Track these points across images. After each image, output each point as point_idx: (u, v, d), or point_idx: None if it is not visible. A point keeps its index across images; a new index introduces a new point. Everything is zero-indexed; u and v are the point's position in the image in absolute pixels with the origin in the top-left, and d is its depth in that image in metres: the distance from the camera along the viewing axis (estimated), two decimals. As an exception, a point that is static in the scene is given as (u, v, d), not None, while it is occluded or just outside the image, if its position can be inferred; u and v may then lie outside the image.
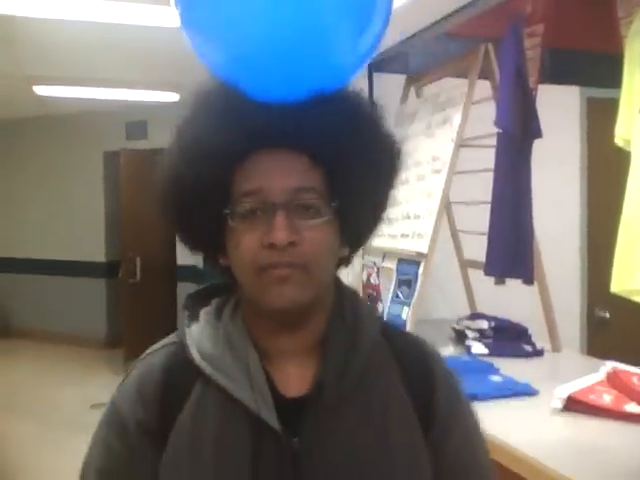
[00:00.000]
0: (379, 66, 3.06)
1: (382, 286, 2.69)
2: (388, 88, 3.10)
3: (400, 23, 2.38)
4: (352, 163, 0.78)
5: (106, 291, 7.08)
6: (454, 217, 2.86)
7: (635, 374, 1.83)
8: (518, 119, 2.11)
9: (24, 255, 7.51)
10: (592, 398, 1.73)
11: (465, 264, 2.86)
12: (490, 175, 2.29)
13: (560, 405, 1.73)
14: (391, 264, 2.60)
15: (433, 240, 2.33)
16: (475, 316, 2.65)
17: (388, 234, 2.67)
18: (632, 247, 1.48)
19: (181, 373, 0.81)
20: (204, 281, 0.92)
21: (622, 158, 1.57)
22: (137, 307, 6.07)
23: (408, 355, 0.88)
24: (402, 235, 2.55)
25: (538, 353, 2.40)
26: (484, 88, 2.46)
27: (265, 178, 0.76)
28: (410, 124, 2.79)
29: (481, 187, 2.37)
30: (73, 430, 3.53)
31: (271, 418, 0.76)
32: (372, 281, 2.77)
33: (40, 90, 5.54)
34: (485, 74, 2.43)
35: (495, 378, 2.04)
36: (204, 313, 0.85)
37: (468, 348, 2.40)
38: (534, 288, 2.38)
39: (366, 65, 2.63)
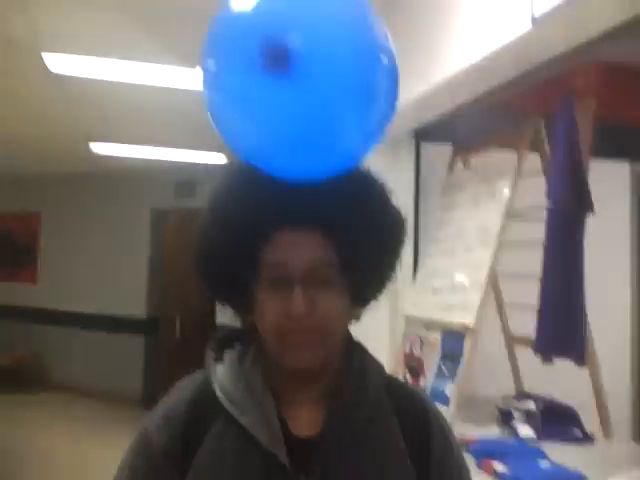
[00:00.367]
0: (426, 135, 3.07)
1: (425, 358, 2.61)
2: (435, 157, 3.11)
3: (448, 94, 2.40)
4: (361, 238, 0.89)
5: (144, 348, 7.10)
6: (501, 290, 2.78)
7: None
8: (570, 193, 2.07)
9: (67, 308, 7.65)
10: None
11: (511, 340, 2.77)
12: (538, 248, 2.24)
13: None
14: (435, 336, 2.53)
15: (480, 313, 2.26)
16: (522, 396, 2.53)
17: (432, 305, 2.61)
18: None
19: (205, 408, 0.91)
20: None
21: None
22: (174, 365, 6.06)
23: (407, 406, 0.98)
24: (447, 306, 2.49)
25: (588, 439, 2.27)
26: (533, 161, 2.44)
27: (286, 253, 0.87)
28: (456, 194, 2.77)
29: (529, 260, 2.31)
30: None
31: (281, 455, 0.86)
32: (414, 353, 2.70)
33: (96, 148, 5.76)
34: (534, 147, 2.41)
35: (544, 464, 1.93)
36: (228, 356, 0.96)
37: (514, 430, 2.29)
38: (582, 369, 2.27)
39: (413, 133, 2.62)
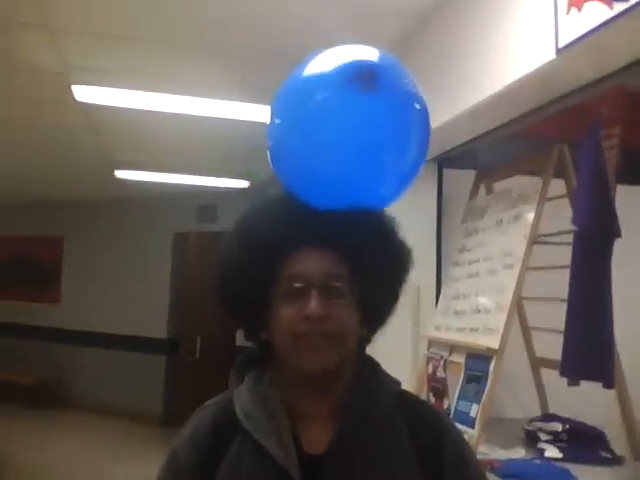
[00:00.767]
0: (448, 162, 3.13)
1: (449, 381, 2.62)
2: (457, 183, 3.15)
3: (470, 122, 2.45)
4: (370, 263, 0.99)
5: (165, 368, 7.14)
6: (525, 313, 2.81)
7: None
8: (597, 218, 2.10)
9: (89, 328, 7.72)
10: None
11: (537, 362, 2.78)
12: (561, 271, 2.26)
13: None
14: (459, 358, 2.55)
15: (505, 336, 2.28)
16: (548, 417, 2.54)
17: (456, 327, 2.63)
18: None
19: (227, 426, 0.98)
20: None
21: None
22: (194, 385, 6.09)
23: (420, 420, 1.01)
24: (471, 329, 2.52)
25: (617, 461, 2.27)
26: (557, 186, 2.48)
27: (305, 266, 0.97)
28: (480, 219, 2.81)
29: (552, 283, 2.33)
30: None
31: (293, 470, 0.91)
32: (438, 375, 2.71)
33: (121, 174, 5.87)
34: (559, 173, 2.45)
35: (572, 486, 1.94)
36: (249, 376, 1.03)
37: (541, 451, 2.30)
38: (609, 390, 2.28)
39: (436, 160, 2.70)
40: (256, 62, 3.17)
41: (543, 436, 2.36)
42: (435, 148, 2.89)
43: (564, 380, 2.34)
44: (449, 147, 2.84)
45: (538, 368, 2.77)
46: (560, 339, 2.26)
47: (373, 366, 1.06)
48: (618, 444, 2.35)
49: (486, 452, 2.33)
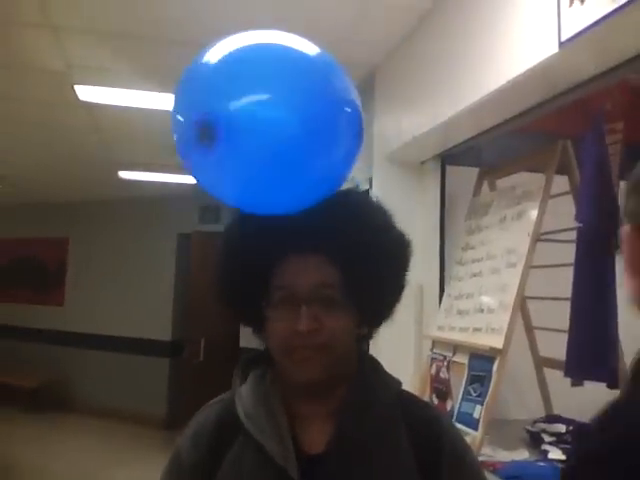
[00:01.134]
0: (451, 159, 3.10)
1: (452, 381, 2.59)
2: (461, 180, 3.12)
3: (473, 119, 2.42)
4: (363, 257, 0.95)
5: (169, 370, 7.13)
6: (529, 312, 2.77)
7: None
8: (601, 214, 2.07)
9: (93, 331, 7.72)
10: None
11: (540, 362, 2.75)
12: (565, 269, 2.23)
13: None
14: (462, 359, 2.52)
15: (508, 335, 2.25)
16: (552, 419, 2.51)
17: (459, 327, 2.60)
18: None
19: (229, 426, 0.98)
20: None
21: None
22: (199, 387, 6.06)
23: (419, 421, 1.00)
24: (474, 329, 2.48)
25: (622, 463, 2.23)
26: (560, 183, 2.45)
27: (293, 276, 0.95)
28: (483, 216, 2.78)
29: (556, 282, 2.30)
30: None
31: (293, 470, 0.91)
32: (441, 375, 2.68)
33: (124, 175, 5.86)
34: (562, 169, 2.42)
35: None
36: (251, 377, 1.03)
37: (544, 453, 2.26)
38: (613, 391, 2.24)
39: (439, 157, 2.63)
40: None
41: (547, 437, 2.33)
42: (438, 145, 2.87)
43: (568, 380, 2.31)
44: (452, 144, 2.81)
45: (542, 368, 2.74)
46: (564, 339, 2.23)
47: (374, 365, 1.05)
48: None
49: (489, 454, 2.30)
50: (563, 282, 2.25)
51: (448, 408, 2.54)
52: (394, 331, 3.29)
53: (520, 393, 2.93)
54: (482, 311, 2.49)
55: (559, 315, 2.25)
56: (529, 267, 2.32)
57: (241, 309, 1.03)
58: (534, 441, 2.40)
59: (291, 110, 0.85)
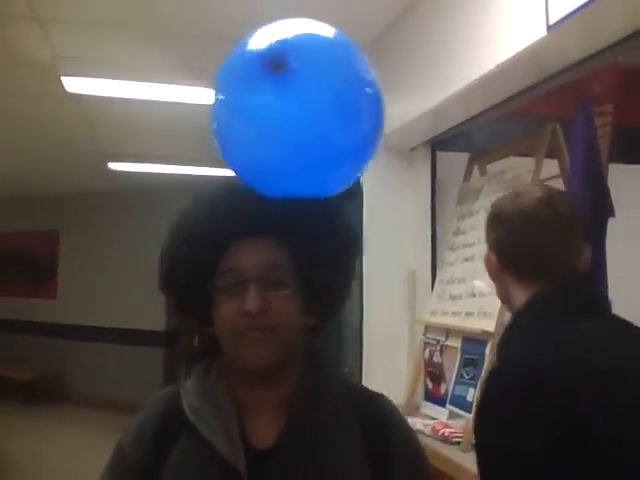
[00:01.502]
0: (441, 144, 3.10)
1: (445, 365, 2.62)
2: (451, 166, 3.13)
3: (462, 104, 2.42)
4: (312, 243, 0.94)
5: (163, 360, 7.14)
6: (520, 295, 2.79)
7: None
8: (590, 197, 2.08)
9: (86, 322, 7.72)
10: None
11: (532, 344, 2.76)
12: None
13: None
14: (455, 342, 2.54)
15: (500, 319, 2.27)
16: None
17: (452, 311, 2.62)
18: None
19: (175, 420, 0.95)
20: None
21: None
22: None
23: (367, 411, 1.00)
24: (467, 313, 2.50)
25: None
26: (550, 166, 2.45)
27: (240, 258, 0.93)
28: (474, 201, 2.79)
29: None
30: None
31: (240, 465, 0.89)
32: (435, 360, 2.71)
33: (114, 166, 5.84)
34: (551, 153, 2.42)
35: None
36: (196, 370, 1.01)
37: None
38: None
39: (429, 143, 2.63)
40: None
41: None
42: (427, 131, 2.87)
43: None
44: (442, 130, 2.82)
45: (534, 351, 2.76)
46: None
47: (323, 357, 1.04)
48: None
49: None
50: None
51: (442, 392, 2.57)
52: (387, 317, 3.31)
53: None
54: (474, 295, 2.51)
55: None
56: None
57: (187, 296, 0.99)
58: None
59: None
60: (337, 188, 0.98)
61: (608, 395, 1.05)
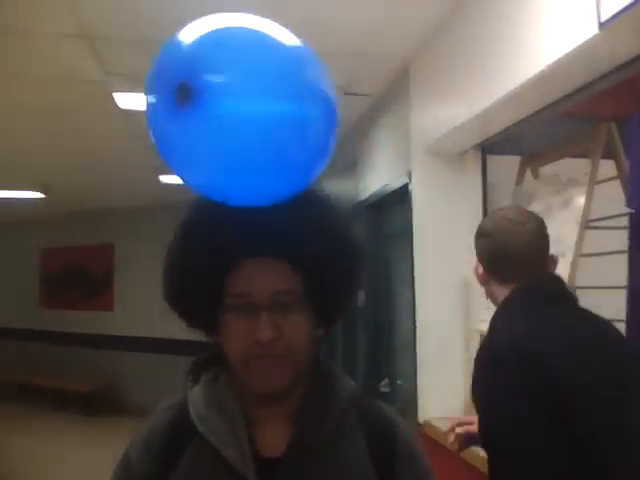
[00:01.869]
0: (492, 148, 3.04)
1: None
2: (502, 170, 3.06)
3: (513, 106, 2.36)
4: (324, 262, 0.92)
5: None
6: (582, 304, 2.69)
7: None
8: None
9: (142, 334, 7.86)
10: None
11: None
12: (619, 257, 2.16)
13: None
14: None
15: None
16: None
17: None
18: None
19: (182, 430, 0.94)
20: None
21: None
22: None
23: (374, 423, 1.00)
24: (524, 321, 2.43)
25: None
26: (606, 167, 2.37)
27: (250, 282, 0.90)
28: (527, 205, 2.71)
29: (609, 271, 2.23)
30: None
31: (250, 474, 0.88)
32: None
33: (165, 179, 5.95)
34: (608, 153, 2.34)
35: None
36: (204, 378, 1.00)
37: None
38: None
39: (479, 147, 2.57)
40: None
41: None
42: (477, 134, 2.81)
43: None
44: (492, 133, 2.75)
45: (596, 359, 2.66)
46: (620, 329, 2.16)
47: (329, 367, 1.03)
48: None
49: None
50: (616, 270, 2.17)
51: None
52: (441, 326, 3.25)
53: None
54: (531, 302, 2.43)
55: (613, 305, 2.18)
56: (579, 256, 2.25)
57: (191, 311, 0.97)
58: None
59: (264, 95, 0.81)
60: (292, 191, 0.92)
61: (579, 364, 1.33)
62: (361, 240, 1.03)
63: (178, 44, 0.84)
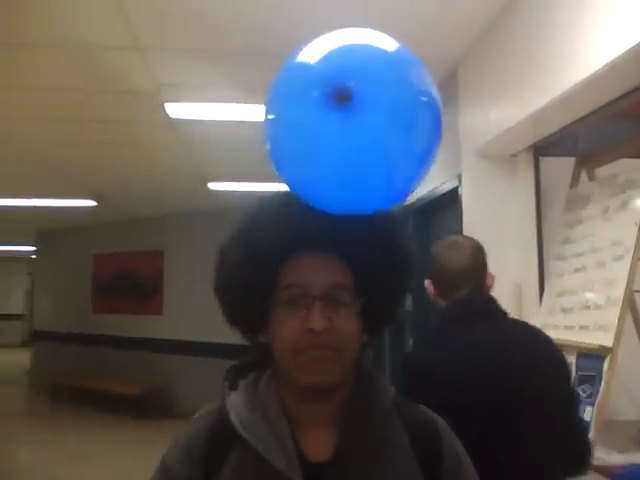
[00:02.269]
0: (545, 150, 2.97)
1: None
2: (556, 172, 2.99)
3: (567, 107, 2.31)
4: (376, 269, 0.94)
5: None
6: (638, 307, 2.61)
7: None
8: None
9: (191, 338, 7.97)
10: None
11: (654, 359, 2.58)
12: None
13: None
14: (569, 358, 2.40)
15: (619, 332, 2.13)
16: (669, 419, 2.37)
17: (564, 325, 2.49)
18: None
19: (223, 436, 0.93)
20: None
21: None
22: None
23: (416, 425, 0.99)
24: (581, 327, 2.37)
25: None
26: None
27: (306, 274, 0.92)
28: (583, 208, 2.65)
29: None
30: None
31: (297, 478, 0.88)
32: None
33: (213, 186, 6.03)
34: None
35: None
36: (243, 384, 0.99)
37: (663, 456, 2.14)
38: None
39: (531, 148, 2.53)
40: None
41: (664, 439, 2.20)
42: (529, 136, 2.76)
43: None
44: (545, 134, 2.69)
45: (656, 366, 2.58)
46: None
47: (371, 371, 1.03)
48: None
49: (602, 457, 2.18)
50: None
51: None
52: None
53: (629, 392, 2.77)
54: (588, 307, 2.37)
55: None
56: (638, 259, 2.18)
57: (240, 305, 0.98)
58: (651, 443, 2.28)
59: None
60: (392, 204, 0.97)
61: (489, 389, 1.46)
62: (413, 248, 1.03)
63: (327, 53, 0.89)
